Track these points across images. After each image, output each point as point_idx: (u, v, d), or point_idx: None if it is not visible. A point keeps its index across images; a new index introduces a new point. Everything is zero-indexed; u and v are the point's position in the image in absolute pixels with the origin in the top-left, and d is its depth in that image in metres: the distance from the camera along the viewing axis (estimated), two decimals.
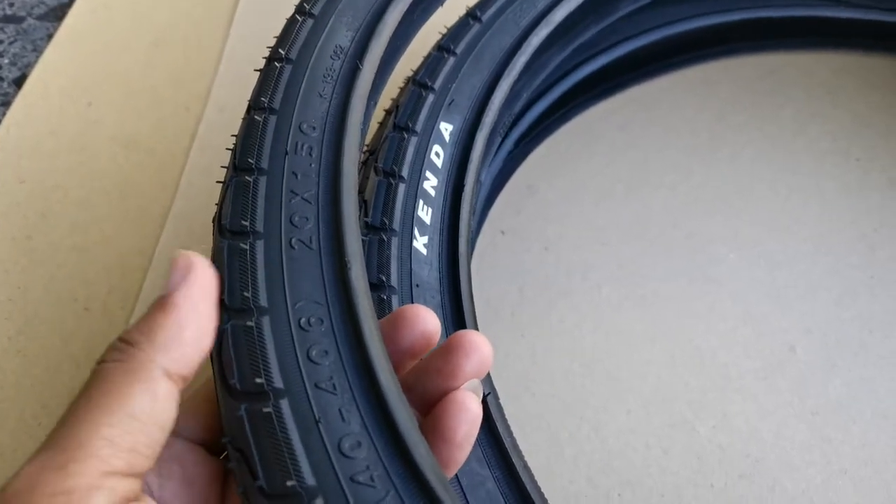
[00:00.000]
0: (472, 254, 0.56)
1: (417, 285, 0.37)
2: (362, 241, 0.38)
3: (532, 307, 0.55)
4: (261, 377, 0.25)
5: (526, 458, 0.41)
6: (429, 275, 0.38)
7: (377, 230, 0.38)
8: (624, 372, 0.52)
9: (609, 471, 0.47)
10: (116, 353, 0.25)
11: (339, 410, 0.25)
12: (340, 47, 0.37)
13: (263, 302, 0.27)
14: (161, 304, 0.26)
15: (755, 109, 0.66)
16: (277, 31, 0.43)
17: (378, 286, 0.36)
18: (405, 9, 0.40)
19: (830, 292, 0.55)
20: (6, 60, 0.75)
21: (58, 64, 0.72)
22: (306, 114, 0.33)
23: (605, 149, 0.64)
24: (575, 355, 0.52)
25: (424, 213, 0.40)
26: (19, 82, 0.72)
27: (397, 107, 0.45)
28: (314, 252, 0.29)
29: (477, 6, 0.51)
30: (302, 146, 0.32)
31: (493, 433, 0.34)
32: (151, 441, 0.24)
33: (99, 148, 0.65)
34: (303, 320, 0.27)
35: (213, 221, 0.31)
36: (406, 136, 0.43)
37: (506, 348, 0.53)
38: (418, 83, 0.46)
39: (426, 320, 0.30)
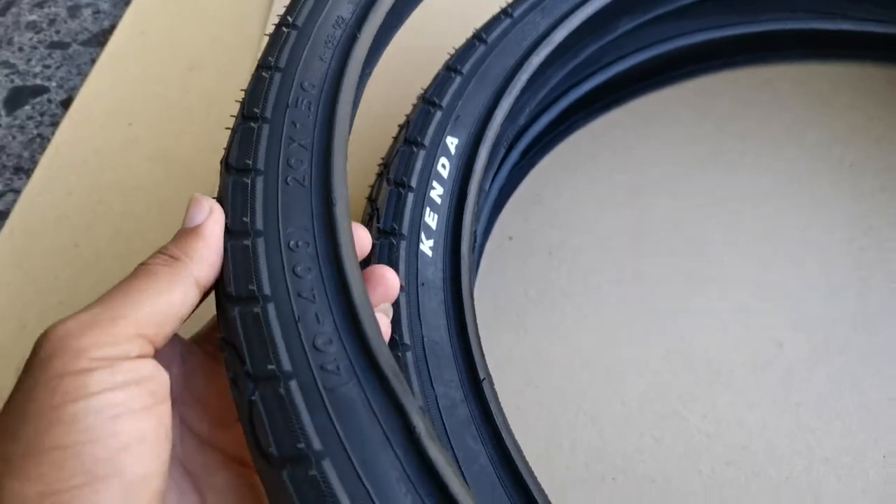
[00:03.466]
0: (479, 258, 0.61)
1: (423, 284, 0.41)
2: (374, 244, 0.43)
3: (536, 308, 0.59)
4: (253, 285, 0.31)
5: (527, 445, 0.45)
6: (433, 274, 0.42)
7: (388, 234, 0.43)
8: (621, 367, 0.55)
9: (604, 457, 0.51)
10: (161, 259, 0.32)
11: (316, 314, 0.31)
12: (342, 17, 0.42)
13: (259, 226, 0.33)
14: (195, 232, 0.33)
15: (753, 119, 0.69)
16: None
17: None
18: None
19: (819, 292, 0.58)
20: (54, 84, 0.81)
21: (101, 87, 0.78)
22: (307, 73, 0.39)
23: (607, 159, 0.67)
24: (575, 352, 0.56)
25: (431, 220, 0.45)
26: (66, 104, 0.78)
27: (408, 122, 0.50)
28: (306, 189, 0.34)
29: (482, 29, 0.55)
30: (302, 101, 0.37)
31: (487, 414, 0.38)
32: (172, 329, 0.31)
33: (139, 165, 0.71)
34: (292, 243, 0.33)
35: (221, 163, 0.36)
36: (415, 149, 0.47)
37: (510, 345, 0.57)
38: (427, 101, 0.50)
39: (388, 285, 0.36)
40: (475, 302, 0.58)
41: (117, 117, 0.75)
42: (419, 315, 0.40)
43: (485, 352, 0.56)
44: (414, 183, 0.45)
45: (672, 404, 0.53)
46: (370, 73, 0.46)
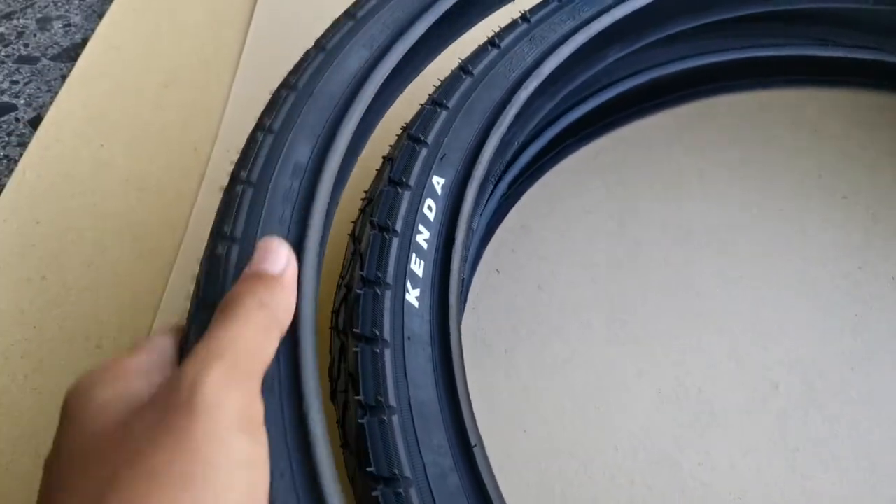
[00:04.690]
0: (466, 292, 0.59)
1: (409, 337, 0.39)
2: (357, 294, 0.41)
3: (525, 345, 0.57)
4: None
5: (517, 495, 0.43)
6: (420, 327, 0.40)
7: (372, 284, 0.41)
8: (613, 408, 0.54)
9: None
10: (263, 311, 0.32)
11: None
12: (299, 164, 0.39)
13: None
14: (281, 281, 0.34)
15: (743, 147, 0.68)
16: (284, 71, 0.46)
17: (371, 339, 0.38)
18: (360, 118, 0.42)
19: (814, 329, 0.57)
20: (22, 101, 0.78)
21: (71, 106, 0.75)
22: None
23: (596, 187, 0.66)
24: (565, 392, 0.55)
25: (417, 267, 0.42)
26: (35, 123, 0.75)
27: (392, 159, 0.48)
28: (276, 397, 0.32)
29: (468, 60, 0.53)
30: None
31: (479, 484, 0.36)
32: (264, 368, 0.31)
33: (111, 189, 0.68)
34: None
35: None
36: (400, 190, 0.45)
37: (500, 385, 0.55)
38: (412, 137, 0.48)
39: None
40: (462, 338, 0.57)
41: (88, 138, 0.72)
42: (405, 373, 0.38)
43: (473, 392, 0.54)
44: (399, 227, 0.43)
45: (665, 449, 0.51)
46: (337, 204, 0.44)
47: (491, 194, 0.58)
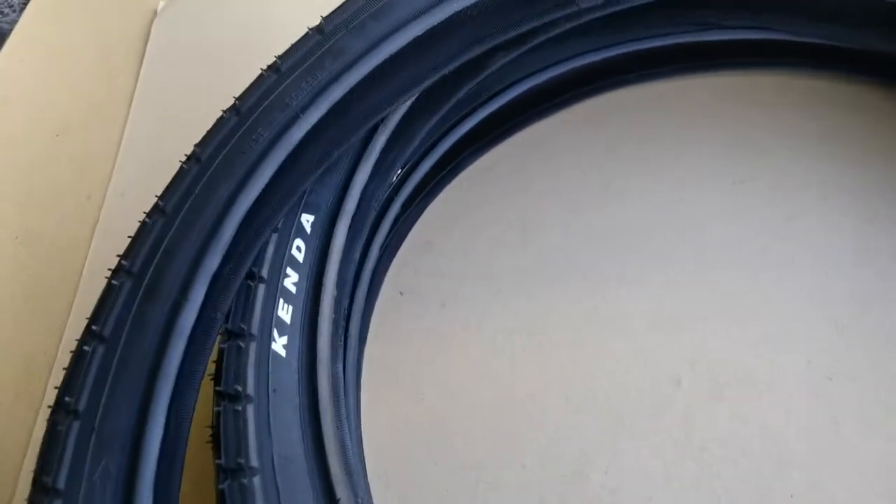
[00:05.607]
0: (369, 319, 0.58)
1: (275, 390, 0.38)
2: (221, 349, 0.40)
3: (430, 367, 0.56)
4: None
5: None
6: (288, 377, 0.39)
7: (235, 336, 0.40)
8: (521, 423, 0.53)
9: None
10: None
11: None
12: None
13: None
14: None
15: (639, 139, 0.67)
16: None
17: (234, 397, 0.37)
18: None
19: (717, 319, 0.57)
20: None
21: None
22: None
23: (497, 196, 0.65)
24: (474, 413, 0.54)
25: (285, 313, 0.41)
26: None
27: None
28: None
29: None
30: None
31: None
32: None
33: (2, 247, 0.65)
34: None
35: None
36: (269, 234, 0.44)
37: (406, 413, 0.54)
38: None
39: None
40: (366, 368, 0.56)
41: None
42: (269, 429, 0.37)
43: (380, 421, 0.53)
44: (265, 272, 0.42)
45: (574, 460, 0.51)
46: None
47: (381, 220, 0.57)
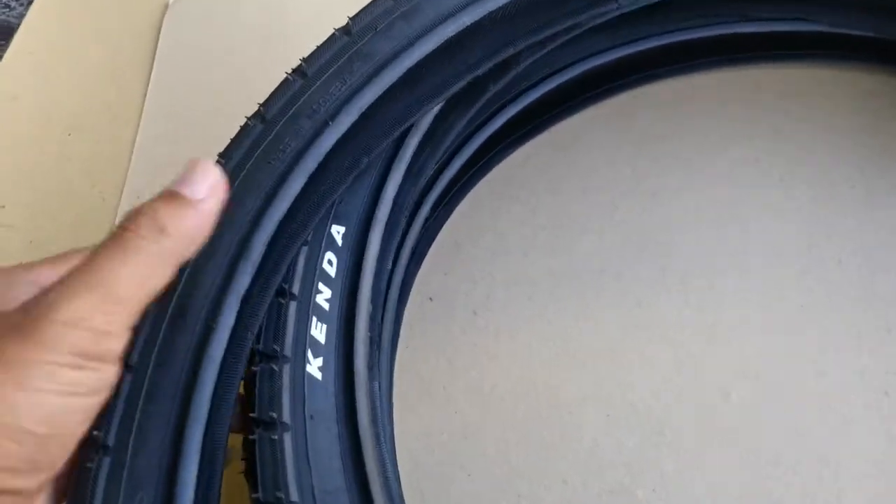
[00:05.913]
0: (399, 326, 0.56)
1: (312, 416, 0.36)
2: (254, 371, 0.37)
3: (462, 378, 0.54)
4: None
5: None
6: (325, 402, 0.37)
7: (268, 358, 0.37)
8: (558, 438, 0.51)
9: None
10: (151, 235, 0.30)
11: None
12: None
13: None
14: (195, 209, 0.32)
15: (674, 136, 0.65)
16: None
17: (270, 424, 0.35)
18: None
19: (763, 325, 0.54)
20: None
21: None
22: None
23: (526, 197, 0.63)
24: (508, 425, 0.52)
25: (319, 332, 0.39)
26: None
27: None
28: None
29: None
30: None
31: None
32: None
33: (15, 254, 0.64)
34: None
35: None
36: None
37: (440, 426, 0.52)
38: None
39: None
40: (397, 378, 0.53)
41: None
42: (308, 458, 0.35)
43: (412, 435, 0.51)
44: (296, 289, 0.40)
45: (618, 476, 0.49)
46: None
47: (411, 224, 0.54)
